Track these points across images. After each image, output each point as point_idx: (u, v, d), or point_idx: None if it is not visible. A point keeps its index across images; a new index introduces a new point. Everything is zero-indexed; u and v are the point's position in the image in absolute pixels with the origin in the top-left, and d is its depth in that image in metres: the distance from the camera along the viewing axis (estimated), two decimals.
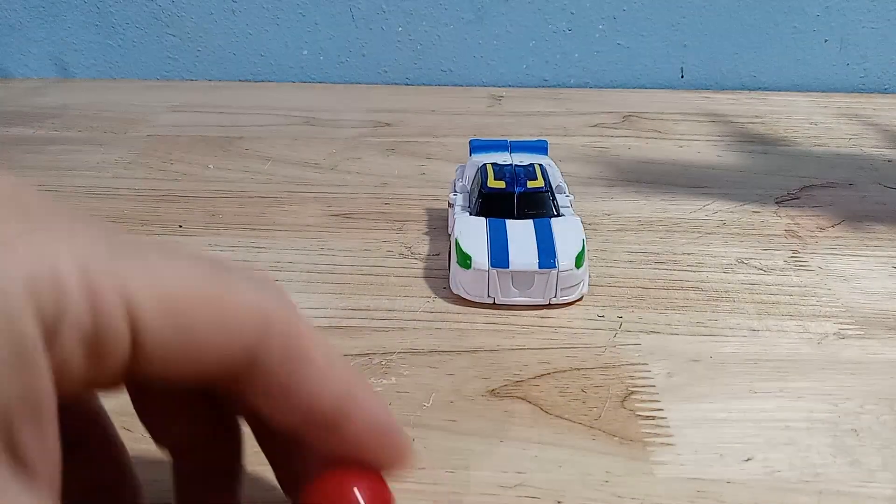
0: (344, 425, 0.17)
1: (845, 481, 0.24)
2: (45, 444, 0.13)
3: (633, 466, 0.24)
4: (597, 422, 0.26)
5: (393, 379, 0.28)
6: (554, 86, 0.69)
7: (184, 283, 0.15)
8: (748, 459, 0.24)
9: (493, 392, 0.28)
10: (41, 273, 0.13)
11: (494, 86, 0.69)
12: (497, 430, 0.26)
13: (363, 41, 0.68)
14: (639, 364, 0.29)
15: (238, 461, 0.20)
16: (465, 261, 0.32)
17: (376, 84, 0.69)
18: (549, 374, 0.29)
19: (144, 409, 0.19)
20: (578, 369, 0.29)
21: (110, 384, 0.15)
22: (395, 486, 0.23)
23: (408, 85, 0.69)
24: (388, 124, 0.58)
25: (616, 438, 0.25)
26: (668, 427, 0.26)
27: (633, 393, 0.28)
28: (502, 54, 0.68)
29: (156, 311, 0.14)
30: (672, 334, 0.31)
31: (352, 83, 0.70)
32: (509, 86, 0.69)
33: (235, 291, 0.15)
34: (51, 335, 0.13)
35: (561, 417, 0.26)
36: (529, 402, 0.27)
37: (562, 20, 0.67)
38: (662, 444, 0.25)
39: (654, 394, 0.28)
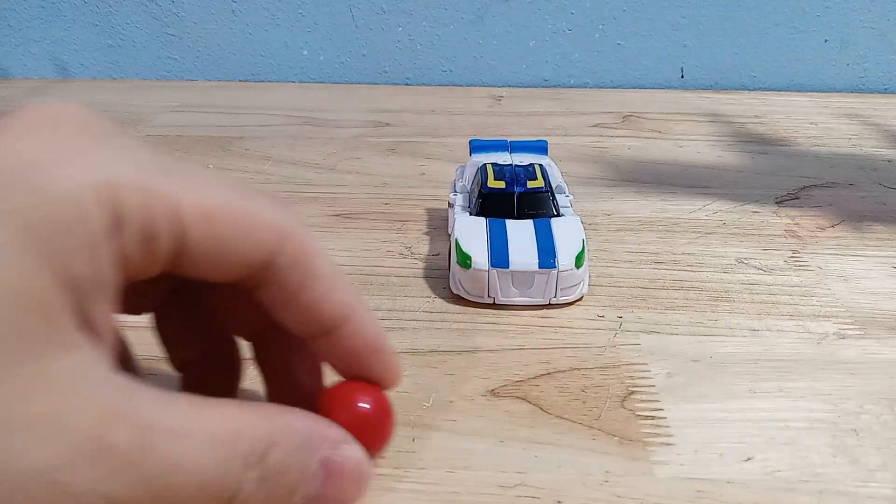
0: (341, 334, 0.20)
1: (845, 481, 0.24)
2: (108, 318, 0.17)
3: (633, 466, 0.24)
4: (597, 422, 0.26)
5: None
6: (554, 86, 0.69)
7: (218, 198, 0.18)
8: (748, 459, 0.24)
9: (493, 392, 0.28)
10: (110, 179, 0.16)
11: (494, 86, 0.69)
12: (497, 430, 0.26)
13: (363, 41, 0.68)
14: (639, 364, 0.29)
15: (236, 376, 0.24)
16: (465, 261, 0.32)
17: (376, 84, 0.69)
18: (549, 374, 0.29)
19: (165, 335, 0.23)
20: (578, 369, 0.29)
21: (154, 280, 0.18)
22: (395, 487, 0.23)
23: (408, 85, 0.69)
24: (388, 124, 0.58)
25: (616, 438, 0.25)
26: (668, 427, 0.26)
27: (633, 393, 0.28)
28: (502, 54, 0.68)
29: (195, 218, 0.17)
30: (672, 334, 0.31)
31: (352, 83, 0.70)
32: (509, 86, 0.69)
33: (259, 209, 0.18)
34: (116, 230, 0.16)
35: (561, 417, 0.26)
36: (529, 402, 0.27)
37: (562, 20, 0.67)
38: (662, 444, 0.25)
39: (654, 394, 0.28)
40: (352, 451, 0.19)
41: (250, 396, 0.25)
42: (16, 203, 0.15)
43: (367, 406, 0.20)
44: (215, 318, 0.23)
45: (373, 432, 0.20)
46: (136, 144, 0.18)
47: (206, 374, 0.23)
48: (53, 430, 0.15)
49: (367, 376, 0.21)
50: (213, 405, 0.17)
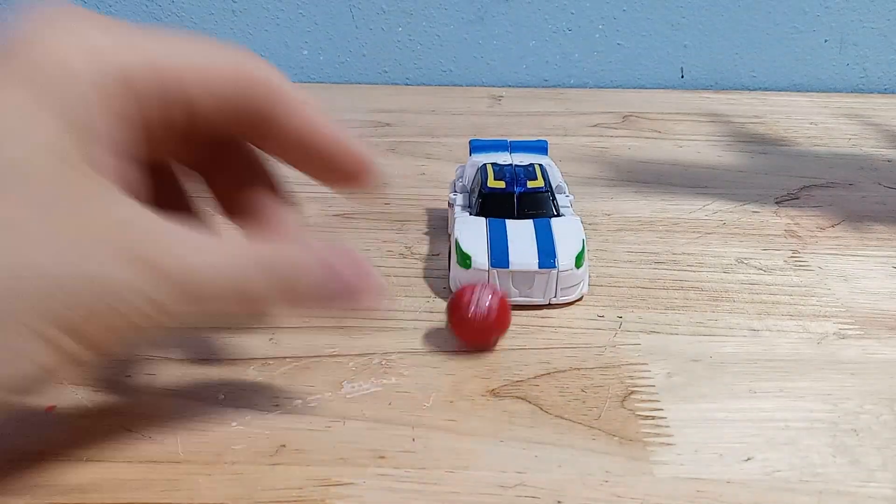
0: (329, 157, 0.25)
1: (845, 481, 0.24)
2: (113, 165, 0.20)
3: (633, 466, 0.24)
4: (597, 422, 0.26)
5: (393, 379, 0.28)
6: (554, 86, 0.69)
7: (210, 59, 0.22)
8: (748, 459, 0.24)
9: (493, 392, 0.28)
10: (112, 49, 0.20)
11: (494, 86, 0.69)
12: (497, 430, 0.26)
13: (363, 41, 0.68)
14: (639, 364, 0.29)
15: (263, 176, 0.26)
16: (465, 261, 0.32)
17: (376, 84, 0.69)
18: (549, 374, 0.29)
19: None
20: (578, 369, 0.29)
21: (178, 136, 0.22)
22: (395, 487, 0.23)
23: (408, 85, 0.69)
24: (388, 124, 0.58)
25: (616, 438, 0.25)
26: (668, 427, 0.26)
27: (633, 393, 0.28)
28: (502, 54, 0.68)
29: (195, 80, 0.21)
30: (672, 334, 0.31)
31: (352, 83, 0.70)
32: (509, 86, 0.69)
33: (244, 60, 0.22)
34: (124, 92, 0.20)
35: (561, 417, 0.26)
36: (529, 402, 0.27)
37: (562, 20, 0.67)
38: (662, 444, 0.25)
39: (654, 394, 0.28)
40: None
41: None
42: (27, 73, 0.19)
43: (493, 299, 0.29)
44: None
45: (501, 317, 0.29)
46: (132, 26, 0.21)
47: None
48: (92, 243, 0.19)
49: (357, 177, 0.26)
50: (218, 232, 0.22)
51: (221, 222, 0.26)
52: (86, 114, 0.19)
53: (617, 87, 0.69)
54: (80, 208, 0.19)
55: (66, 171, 0.19)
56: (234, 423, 0.26)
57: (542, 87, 0.69)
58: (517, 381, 0.28)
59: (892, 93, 0.67)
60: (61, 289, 0.18)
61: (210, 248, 0.20)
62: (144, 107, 0.21)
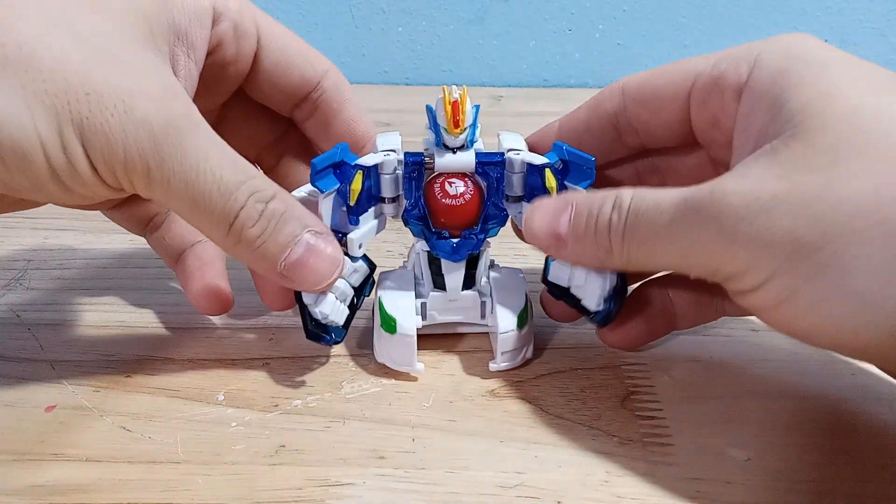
0: (366, 148, 0.29)
1: (846, 481, 0.24)
2: (189, 67, 0.25)
3: (633, 466, 0.24)
4: (597, 422, 0.26)
5: (393, 379, 0.28)
6: (554, 86, 0.69)
7: (286, 30, 0.29)
8: (748, 459, 0.24)
9: (493, 392, 0.28)
10: None
11: (494, 86, 0.69)
12: (497, 430, 0.26)
13: (363, 41, 0.68)
14: (639, 364, 0.29)
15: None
16: (389, 324, 0.28)
17: (376, 84, 0.69)
18: (549, 374, 0.29)
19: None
20: (578, 369, 0.29)
21: (238, 78, 0.29)
22: (395, 487, 0.23)
23: (407, 85, 0.69)
24: (387, 124, 0.57)
25: (616, 438, 0.25)
26: (668, 427, 0.26)
27: (633, 393, 0.28)
28: (502, 54, 0.68)
29: (269, 36, 0.28)
30: (672, 334, 0.31)
31: (351, 83, 0.69)
32: (509, 86, 0.69)
33: (313, 50, 0.30)
34: (217, 18, 0.26)
35: (561, 417, 0.26)
36: (529, 402, 0.27)
37: (562, 20, 0.67)
38: (662, 444, 0.25)
39: (654, 394, 0.28)
40: (329, 242, 0.25)
41: None
42: None
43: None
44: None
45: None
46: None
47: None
48: (145, 100, 0.21)
49: None
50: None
51: None
52: (197, 31, 0.25)
53: None
54: (157, 67, 0.23)
55: (152, 42, 0.23)
56: (233, 424, 0.26)
57: (542, 86, 0.69)
58: (517, 381, 0.28)
59: None
60: (90, 87, 0.20)
61: (224, 150, 0.23)
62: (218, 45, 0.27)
